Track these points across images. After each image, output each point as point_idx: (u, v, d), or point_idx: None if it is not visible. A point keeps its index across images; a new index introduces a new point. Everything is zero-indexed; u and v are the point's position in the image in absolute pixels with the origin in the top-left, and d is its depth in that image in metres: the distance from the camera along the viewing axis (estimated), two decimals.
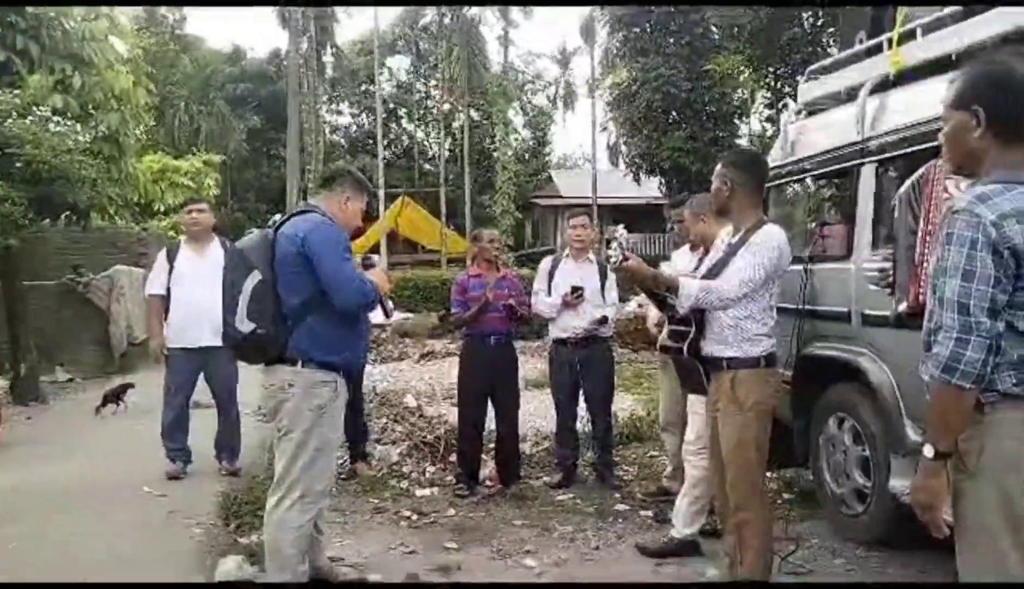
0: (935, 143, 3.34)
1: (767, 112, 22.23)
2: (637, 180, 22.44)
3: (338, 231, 3.28)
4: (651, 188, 23.62)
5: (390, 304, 3.68)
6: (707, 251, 4.05)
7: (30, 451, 6.17)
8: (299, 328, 3.19)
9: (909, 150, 3.82)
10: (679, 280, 3.32)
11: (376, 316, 4.02)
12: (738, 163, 3.48)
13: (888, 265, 3.69)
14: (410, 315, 4.41)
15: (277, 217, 3.45)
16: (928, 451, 1.92)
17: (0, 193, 7.40)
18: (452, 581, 3.74)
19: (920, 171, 3.39)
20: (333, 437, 3.35)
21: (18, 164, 7.77)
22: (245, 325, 3.15)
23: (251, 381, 4.07)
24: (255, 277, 3.16)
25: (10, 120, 7.82)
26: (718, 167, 3.48)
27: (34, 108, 8.23)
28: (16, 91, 8.28)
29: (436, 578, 3.78)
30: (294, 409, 3.20)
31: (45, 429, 7.19)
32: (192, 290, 5.12)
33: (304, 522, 3.23)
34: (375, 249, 27.25)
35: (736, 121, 21.91)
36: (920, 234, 3.34)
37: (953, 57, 3.74)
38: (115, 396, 7.63)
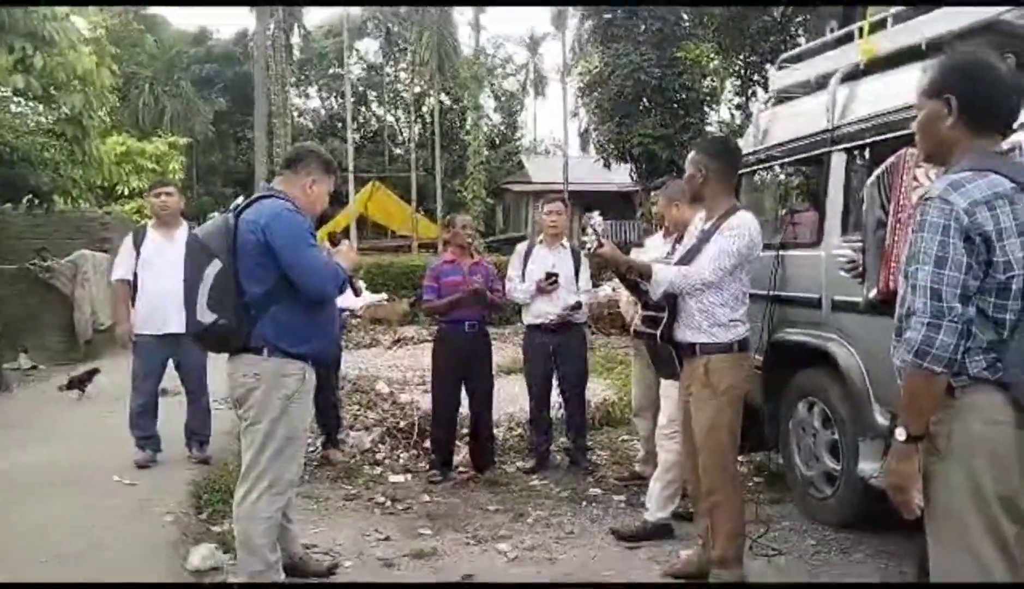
0: (904, 131, 3.41)
1: (736, 99, 22.41)
2: (608, 166, 22.45)
3: (299, 218, 3.16)
4: (622, 175, 23.68)
5: (360, 283, 3.61)
6: (681, 237, 4.08)
7: None
8: (263, 318, 3.10)
9: (878, 138, 3.88)
10: (652, 266, 3.35)
11: (345, 300, 3.95)
12: (711, 150, 3.51)
13: (858, 255, 3.74)
14: (383, 297, 4.38)
15: (239, 201, 3.32)
16: (900, 434, 1.96)
17: None
18: (429, 577, 3.74)
19: (889, 160, 3.43)
20: (301, 426, 3.29)
21: None
22: (207, 316, 3.07)
23: (220, 368, 4.02)
24: (215, 266, 3.06)
25: None
26: (691, 154, 3.52)
27: None
28: None
29: (411, 564, 3.79)
30: (262, 399, 3.13)
31: (10, 417, 7.05)
32: (160, 276, 5.02)
33: (273, 512, 3.18)
34: (345, 234, 27.05)
35: (706, 108, 22.01)
36: (890, 222, 3.39)
37: (923, 47, 3.79)
38: (80, 382, 7.50)
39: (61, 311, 10.59)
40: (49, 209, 9.16)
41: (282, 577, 3.28)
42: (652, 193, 5.04)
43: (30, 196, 8.59)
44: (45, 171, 8.15)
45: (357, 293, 3.72)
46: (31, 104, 8.35)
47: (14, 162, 7.80)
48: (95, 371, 7.63)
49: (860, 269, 3.67)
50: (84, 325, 10.58)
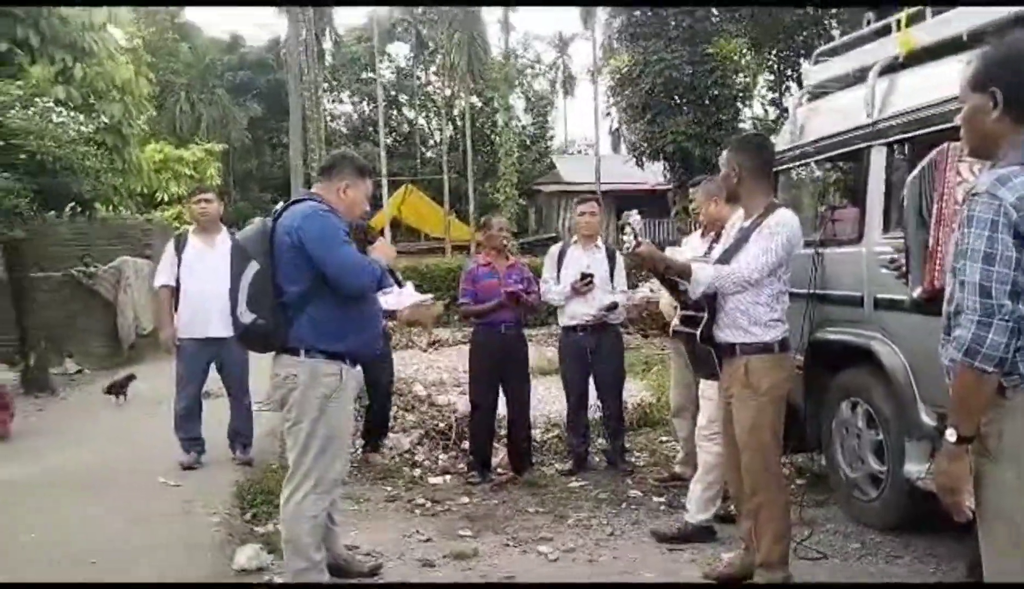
0: (947, 125, 3.35)
1: (770, 95, 22.16)
2: (640, 165, 22.30)
3: (331, 218, 3.23)
4: (654, 173, 23.53)
5: (399, 276, 3.66)
6: (718, 235, 4.05)
7: (42, 442, 6.19)
8: (299, 318, 3.18)
9: (919, 132, 3.81)
10: (691, 265, 3.32)
11: (390, 302, 3.97)
12: (744, 148, 3.47)
13: (900, 255, 3.68)
14: (429, 297, 4.40)
15: (279, 206, 3.41)
16: (950, 435, 1.93)
17: (5, 185, 7.40)
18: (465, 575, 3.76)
19: (930, 156, 3.37)
20: (342, 426, 3.34)
21: (22, 156, 7.76)
22: (246, 316, 3.16)
23: (263, 369, 4.08)
24: (253, 267, 3.15)
25: (13, 111, 7.81)
26: (725, 153, 3.48)
27: (36, 99, 8.22)
28: (18, 82, 8.26)
29: (452, 565, 3.80)
30: (300, 400, 3.19)
31: (56, 420, 7.22)
32: (201, 281, 5.12)
33: (318, 511, 3.24)
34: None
35: (739, 105, 21.78)
36: (934, 219, 3.33)
37: (964, 38, 3.72)
38: (119, 387, 7.62)
39: (104, 316, 10.81)
40: (91, 216, 9.35)
41: (327, 577, 3.32)
42: (690, 190, 5.00)
43: (73, 204, 8.77)
44: (87, 179, 8.32)
45: (400, 284, 3.76)
46: (72, 114, 8.53)
47: (57, 171, 7.97)
48: (132, 377, 7.77)
49: (904, 269, 3.61)
50: (127, 330, 10.79)
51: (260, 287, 3.15)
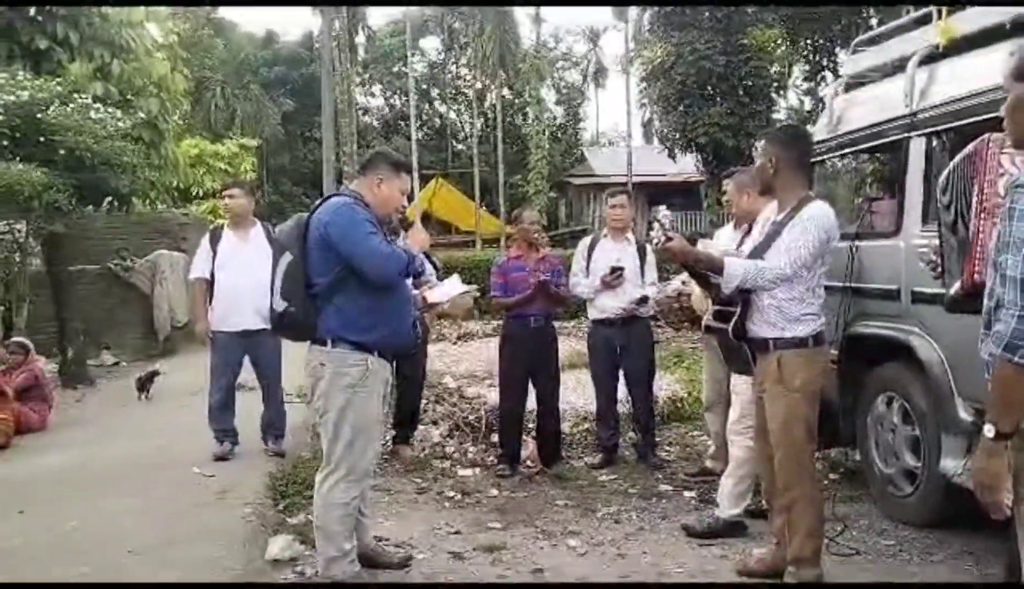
0: (989, 115, 3.27)
1: (805, 85, 21.83)
2: (672, 157, 22.11)
3: (358, 211, 3.27)
4: (687, 165, 23.33)
5: (437, 262, 3.69)
6: (751, 228, 3.99)
7: (81, 433, 6.32)
8: (327, 308, 3.25)
9: (960, 122, 3.72)
10: (724, 259, 3.27)
11: (434, 295, 3.99)
12: (782, 139, 3.41)
13: (937, 256, 3.60)
14: (473, 287, 4.42)
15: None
16: (989, 431, 1.89)
17: (45, 180, 7.54)
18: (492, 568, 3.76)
19: (966, 149, 3.29)
20: (371, 416, 3.35)
21: (61, 151, 7.91)
22: (280, 304, 3.28)
23: (295, 361, 4.13)
24: (287, 257, 3.27)
25: (52, 108, 7.96)
26: (760, 143, 3.42)
27: (75, 95, 8.36)
28: (58, 79, 8.41)
29: (481, 557, 3.81)
30: (327, 389, 3.27)
31: (94, 411, 7.36)
32: (235, 274, 5.18)
33: (349, 499, 3.28)
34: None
35: (773, 95, 21.49)
36: (973, 212, 3.25)
37: (1007, 26, 3.63)
38: (143, 383, 7.69)
39: (140, 309, 11.01)
40: (128, 211, 9.51)
41: (357, 567, 3.35)
42: (723, 182, 4.94)
43: (110, 199, 8.92)
44: (124, 174, 8.45)
45: (436, 269, 3.77)
46: (110, 110, 8.65)
47: (95, 166, 8.11)
48: (156, 372, 7.84)
49: (939, 267, 3.53)
50: (163, 322, 10.97)
51: (293, 277, 3.26)
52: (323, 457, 3.35)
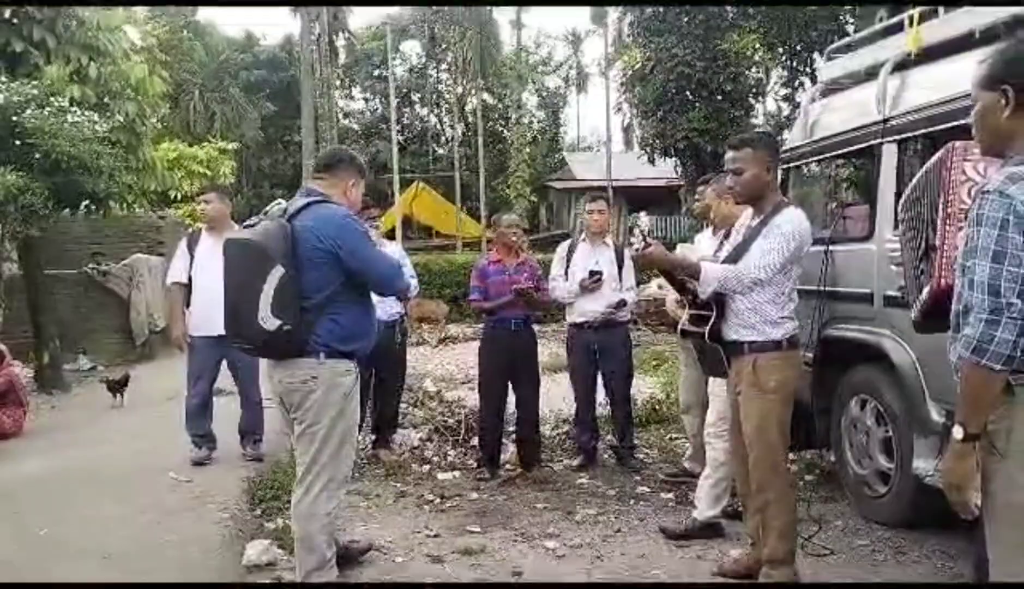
0: (957, 122, 3.32)
1: (783, 91, 22.03)
2: (652, 162, 22.23)
3: (361, 226, 3.31)
4: (666, 170, 23.46)
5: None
6: (729, 233, 4.03)
7: (56, 438, 6.25)
8: (320, 321, 3.16)
9: (930, 129, 3.79)
10: (701, 265, 3.31)
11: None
12: (769, 144, 3.44)
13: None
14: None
15: (282, 203, 3.31)
16: (957, 433, 1.92)
17: (21, 184, 7.45)
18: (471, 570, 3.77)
19: (932, 159, 3.34)
20: (355, 422, 3.40)
21: (38, 155, 7.81)
22: (270, 322, 3.04)
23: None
24: (279, 271, 3.03)
25: (29, 111, 7.86)
26: (746, 152, 3.32)
27: (52, 99, 8.27)
28: (34, 82, 8.32)
29: (460, 560, 3.82)
30: (322, 401, 3.18)
31: (70, 416, 7.28)
32: (213, 279, 5.06)
33: (331, 508, 3.26)
34: (390, 235, 27.31)
35: (752, 100, 21.67)
36: (940, 217, 3.30)
37: (976, 35, 3.69)
38: (117, 387, 7.57)
39: (118, 313, 10.90)
40: (105, 215, 9.39)
41: (335, 573, 3.34)
42: (698, 189, 4.97)
43: (87, 202, 8.81)
44: (101, 178, 8.34)
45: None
46: (87, 113, 8.56)
47: (71, 170, 8.00)
48: (128, 377, 7.74)
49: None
50: (140, 327, 10.87)
51: (289, 292, 3.06)
52: (303, 468, 3.26)
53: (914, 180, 3.19)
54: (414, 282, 5.65)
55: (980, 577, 2.20)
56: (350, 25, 36.23)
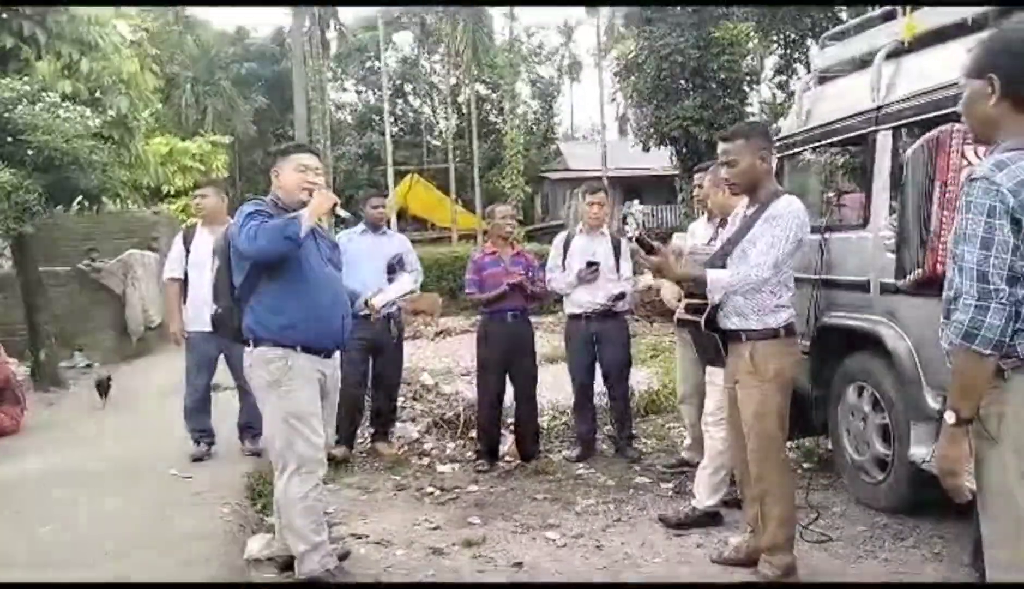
0: (950, 109, 3.33)
1: (778, 78, 22.04)
2: (647, 150, 22.23)
3: (247, 205, 3.35)
4: (661, 158, 23.45)
5: (343, 214, 3.65)
6: (724, 221, 4.05)
7: (54, 436, 6.26)
8: (246, 308, 3.35)
9: (924, 116, 3.80)
10: (706, 274, 3.27)
11: (376, 299, 4.02)
12: (763, 133, 3.45)
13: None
14: (415, 287, 4.49)
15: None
16: (950, 418, 1.94)
17: (14, 181, 7.42)
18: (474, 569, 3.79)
19: (931, 134, 3.36)
20: (302, 409, 3.32)
21: (30, 151, 7.78)
22: (211, 307, 3.50)
23: None
24: (216, 262, 3.48)
25: (20, 107, 7.83)
26: (736, 143, 3.33)
27: (43, 94, 8.23)
28: (25, 78, 8.28)
29: (460, 552, 3.84)
30: (256, 387, 3.41)
31: (67, 414, 7.29)
32: (209, 274, 5.15)
33: (305, 492, 3.29)
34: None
35: (746, 88, 21.68)
36: (936, 202, 3.31)
37: (969, 21, 3.70)
38: (102, 388, 7.52)
39: (113, 310, 10.90)
40: (99, 210, 9.37)
41: (333, 560, 3.38)
42: (695, 176, 4.97)
43: (80, 198, 8.79)
44: (94, 173, 8.32)
45: (343, 222, 3.88)
46: (79, 108, 8.53)
47: (64, 166, 7.98)
48: (109, 378, 7.68)
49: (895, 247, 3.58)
50: (135, 323, 10.87)
51: (220, 279, 3.44)
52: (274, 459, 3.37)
53: (910, 151, 3.21)
54: (416, 275, 5.63)
55: (979, 561, 2.22)
56: (341, 17, 36.07)
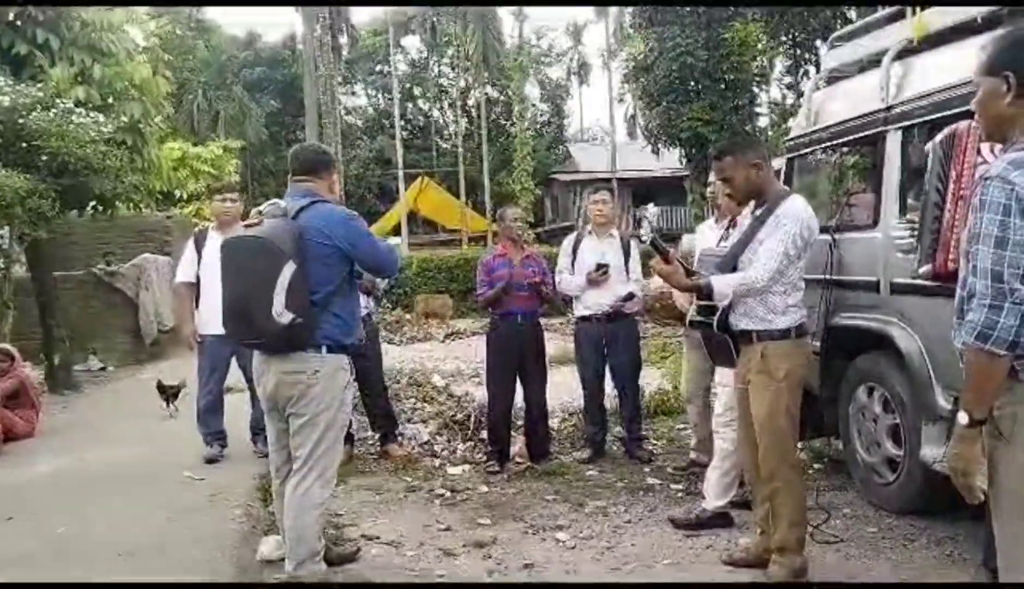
0: (960, 108, 3.33)
1: (787, 79, 21.97)
2: (656, 152, 22.20)
3: (362, 220, 3.44)
4: (671, 160, 23.41)
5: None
6: (734, 221, 4.06)
7: (69, 439, 6.30)
8: (323, 315, 3.25)
9: (934, 116, 3.79)
10: (712, 282, 3.27)
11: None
12: (752, 143, 3.49)
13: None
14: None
15: (279, 202, 3.35)
16: (963, 418, 1.94)
17: (28, 186, 7.49)
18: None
19: (951, 128, 3.35)
20: (348, 416, 3.58)
21: (44, 157, 7.86)
22: (285, 316, 3.10)
23: None
24: (291, 267, 3.09)
25: (35, 113, 7.90)
26: (726, 160, 3.39)
27: (57, 100, 8.31)
28: (39, 84, 8.36)
29: (471, 553, 3.85)
30: (321, 394, 3.24)
31: (82, 417, 7.34)
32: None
33: (325, 499, 3.32)
34: (396, 231, 27.35)
35: (755, 89, 21.61)
36: (951, 198, 3.31)
37: (978, 21, 3.69)
38: (171, 394, 7.47)
39: (126, 313, 10.97)
40: (112, 215, 9.45)
41: (324, 566, 3.37)
42: (714, 163, 4.97)
43: (94, 203, 8.87)
44: (107, 179, 8.40)
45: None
46: (92, 114, 8.60)
47: (78, 171, 8.06)
48: (182, 383, 7.35)
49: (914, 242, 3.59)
50: (149, 326, 10.93)
51: (299, 287, 3.13)
52: (299, 462, 3.28)
53: (930, 144, 3.22)
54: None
55: (992, 562, 2.21)
56: (352, 20, 36.18)
